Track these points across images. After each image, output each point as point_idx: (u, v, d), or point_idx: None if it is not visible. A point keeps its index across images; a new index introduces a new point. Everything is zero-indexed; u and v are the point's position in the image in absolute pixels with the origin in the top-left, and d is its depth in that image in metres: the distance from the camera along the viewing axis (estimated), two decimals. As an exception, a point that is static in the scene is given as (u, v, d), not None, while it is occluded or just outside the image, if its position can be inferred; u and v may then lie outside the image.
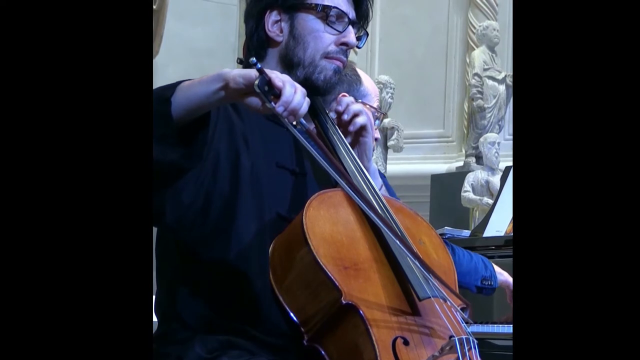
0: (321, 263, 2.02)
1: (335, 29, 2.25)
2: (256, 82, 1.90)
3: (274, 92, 1.91)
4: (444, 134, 7.24)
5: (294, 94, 1.92)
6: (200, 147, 2.00)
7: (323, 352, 2.03)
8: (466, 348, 1.99)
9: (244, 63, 2.25)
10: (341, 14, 2.25)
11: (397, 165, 6.90)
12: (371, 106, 3.00)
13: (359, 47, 2.33)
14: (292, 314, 2.05)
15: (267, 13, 2.25)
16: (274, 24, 2.25)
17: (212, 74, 1.96)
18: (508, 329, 3.63)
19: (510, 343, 3.47)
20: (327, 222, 2.09)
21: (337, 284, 2.00)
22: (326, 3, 2.25)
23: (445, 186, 6.74)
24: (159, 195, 2.02)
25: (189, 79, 2.00)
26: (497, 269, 3.27)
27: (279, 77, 1.93)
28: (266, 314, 2.09)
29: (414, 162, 6.95)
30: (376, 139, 3.26)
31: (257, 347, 2.08)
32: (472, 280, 3.19)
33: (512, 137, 6.78)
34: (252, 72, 1.92)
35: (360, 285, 2.04)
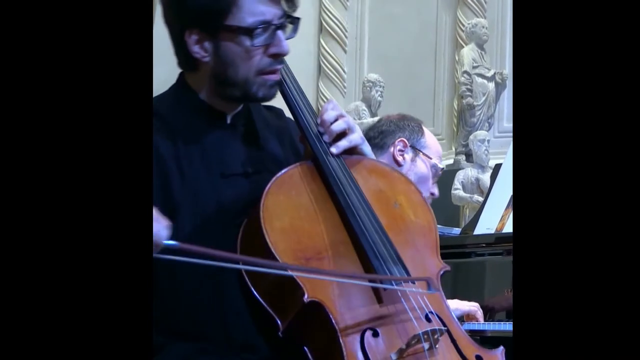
0: (281, 261, 1.99)
1: (262, 43, 2.10)
2: None
3: None
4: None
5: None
6: None
7: (299, 343, 2.01)
8: (432, 339, 1.97)
9: None
10: (266, 25, 2.10)
11: (387, 164, 6.87)
12: (430, 158, 3.07)
13: (291, 37, 2.16)
14: (266, 305, 2.02)
15: (187, 34, 2.12)
16: (196, 45, 2.12)
17: None
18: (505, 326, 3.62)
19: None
20: (286, 209, 2.06)
21: (299, 282, 1.97)
22: (248, 23, 2.08)
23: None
24: None
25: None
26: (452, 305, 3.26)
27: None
28: (238, 314, 2.07)
29: (404, 160, 6.93)
30: (432, 194, 3.24)
31: (228, 352, 2.06)
32: None
33: (501, 134, 6.79)
34: None
35: None
